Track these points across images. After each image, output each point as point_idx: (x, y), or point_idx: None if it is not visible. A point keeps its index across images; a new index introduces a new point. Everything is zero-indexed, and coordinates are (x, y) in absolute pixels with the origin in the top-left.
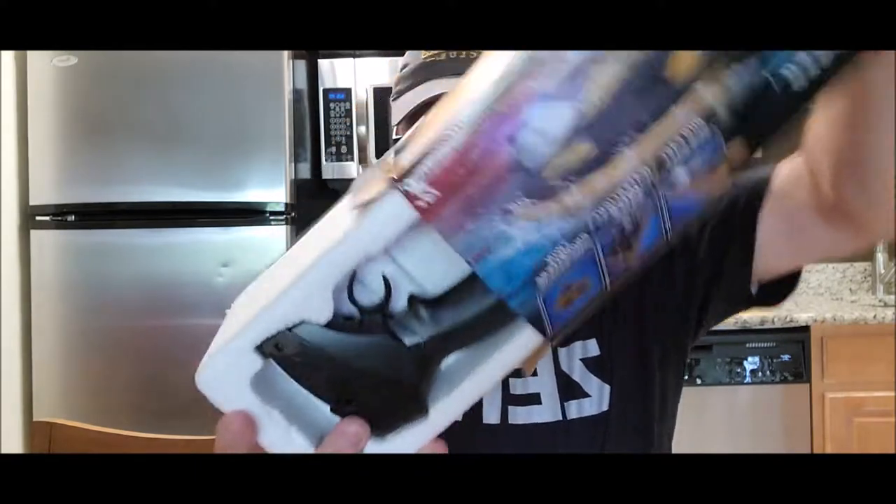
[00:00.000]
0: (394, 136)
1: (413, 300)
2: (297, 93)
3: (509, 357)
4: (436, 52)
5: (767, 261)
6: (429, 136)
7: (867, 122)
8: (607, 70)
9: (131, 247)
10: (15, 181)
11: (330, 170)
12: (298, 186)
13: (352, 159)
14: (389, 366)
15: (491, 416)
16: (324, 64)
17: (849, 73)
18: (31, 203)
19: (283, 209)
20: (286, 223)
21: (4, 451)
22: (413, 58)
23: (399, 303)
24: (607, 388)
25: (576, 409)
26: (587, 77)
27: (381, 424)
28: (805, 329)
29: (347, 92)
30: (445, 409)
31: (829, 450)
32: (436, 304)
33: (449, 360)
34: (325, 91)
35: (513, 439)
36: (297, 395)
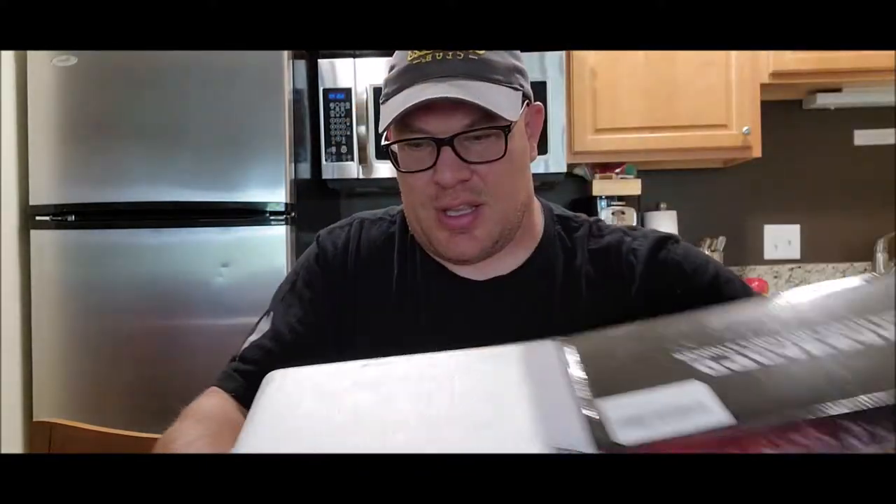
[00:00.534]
0: (383, 142)
1: None
2: (297, 93)
3: None
4: (421, 53)
5: None
6: None
7: None
8: None
9: (131, 247)
10: (15, 181)
11: (330, 170)
12: (298, 186)
13: (352, 159)
14: None
15: None
16: (324, 64)
17: None
18: (31, 203)
19: (283, 209)
20: (286, 223)
21: (4, 451)
22: (399, 59)
23: None
24: None
25: None
26: None
27: None
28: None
29: (347, 92)
30: None
31: None
32: None
33: None
34: (325, 91)
35: None
36: None
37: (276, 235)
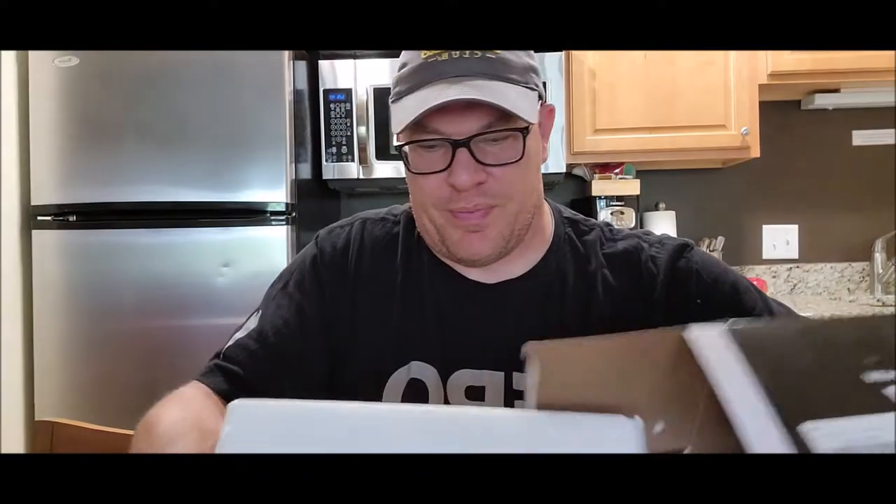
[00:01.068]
0: (395, 143)
1: None
2: (297, 93)
3: None
4: (437, 51)
5: None
6: None
7: None
8: None
9: (132, 247)
10: (16, 181)
11: (330, 170)
12: (299, 186)
13: (352, 160)
14: None
15: None
16: (324, 65)
17: None
18: (33, 203)
19: (283, 209)
20: (287, 223)
21: (5, 450)
22: (412, 57)
23: None
24: None
25: None
26: None
27: None
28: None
29: (348, 92)
30: None
31: None
32: None
33: None
34: (326, 91)
35: None
36: None
37: (277, 235)
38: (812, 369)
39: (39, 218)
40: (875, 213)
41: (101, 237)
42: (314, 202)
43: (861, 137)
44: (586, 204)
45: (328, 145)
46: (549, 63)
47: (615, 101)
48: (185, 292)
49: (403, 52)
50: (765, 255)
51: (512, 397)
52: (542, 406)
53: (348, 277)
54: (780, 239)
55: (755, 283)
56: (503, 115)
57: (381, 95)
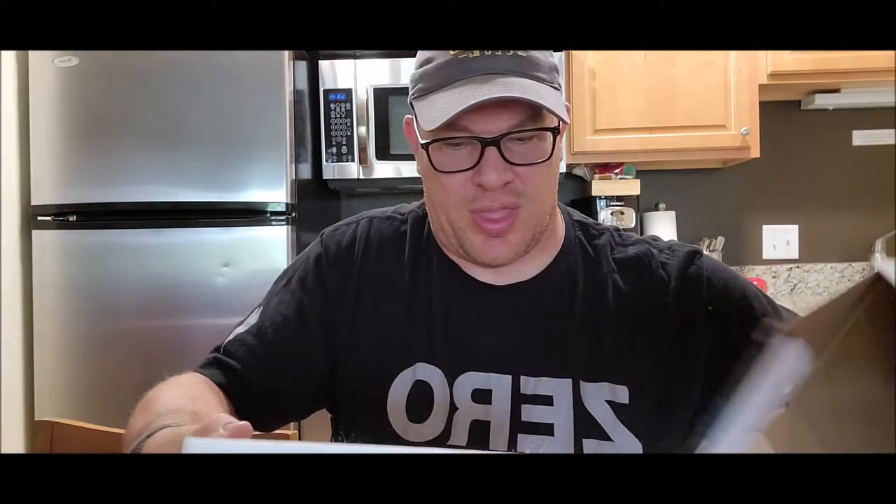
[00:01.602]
0: (421, 141)
1: None
2: (297, 93)
3: None
4: None
5: None
6: None
7: None
8: None
9: (132, 247)
10: (16, 181)
11: (330, 170)
12: (299, 186)
13: (352, 160)
14: None
15: (498, 443)
16: (324, 65)
17: None
18: (33, 203)
19: (283, 209)
20: (287, 223)
21: (5, 450)
22: (437, 53)
23: None
24: (637, 442)
25: (594, 449)
26: None
27: None
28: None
29: (348, 92)
30: None
31: None
32: None
33: None
34: (326, 92)
35: None
36: None
37: (277, 235)
38: None
39: (39, 218)
40: (875, 213)
41: (101, 237)
42: (314, 202)
43: (861, 137)
44: (586, 204)
45: (328, 145)
46: None
47: (615, 101)
48: (185, 292)
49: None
50: (765, 256)
51: (519, 401)
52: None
53: (353, 275)
54: (780, 239)
55: (755, 283)
56: (533, 114)
57: (381, 95)
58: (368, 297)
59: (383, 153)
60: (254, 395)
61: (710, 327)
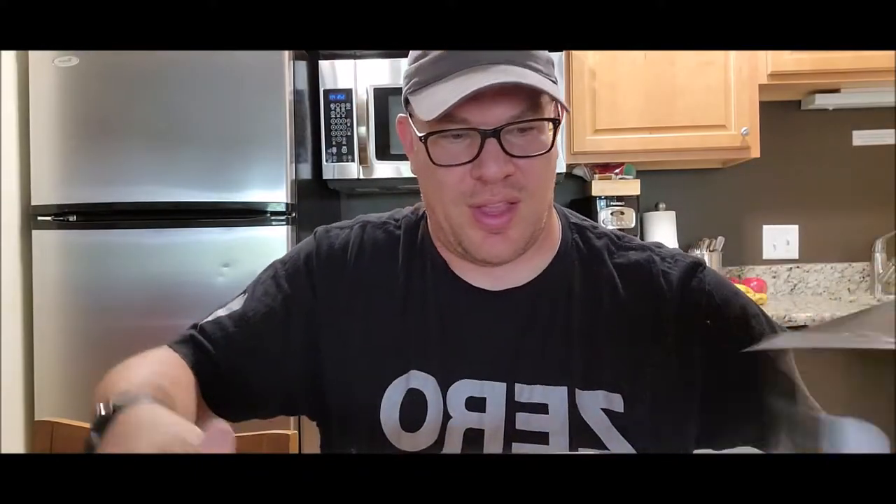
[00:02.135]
0: (419, 134)
1: None
2: (297, 93)
3: None
4: None
5: None
6: None
7: None
8: None
9: (132, 247)
10: (17, 181)
11: (330, 170)
12: (299, 187)
13: (352, 160)
14: None
15: (493, 452)
16: (324, 65)
17: None
18: (33, 203)
19: (283, 209)
20: (287, 223)
21: (5, 450)
22: None
23: None
24: (633, 451)
25: None
26: None
27: None
28: (804, 329)
29: (348, 92)
30: None
31: None
32: None
33: None
34: (326, 92)
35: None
36: None
37: (277, 235)
38: None
39: (39, 218)
40: (875, 213)
41: (101, 237)
42: (314, 202)
43: (861, 137)
44: (586, 204)
45: (328, 145)
46: None
47: (615, 101)
48: (185, 292)
49: None
50: (765, 256)
51: (513, 409)
52: None
53: (344, 280)
54: (780, 239)
55: (755, 283)
56: (532, 105)
57: (381, 95)
58: (360, 302)
59: (383, 153)
60: (223, 382)
61: (708, 342)
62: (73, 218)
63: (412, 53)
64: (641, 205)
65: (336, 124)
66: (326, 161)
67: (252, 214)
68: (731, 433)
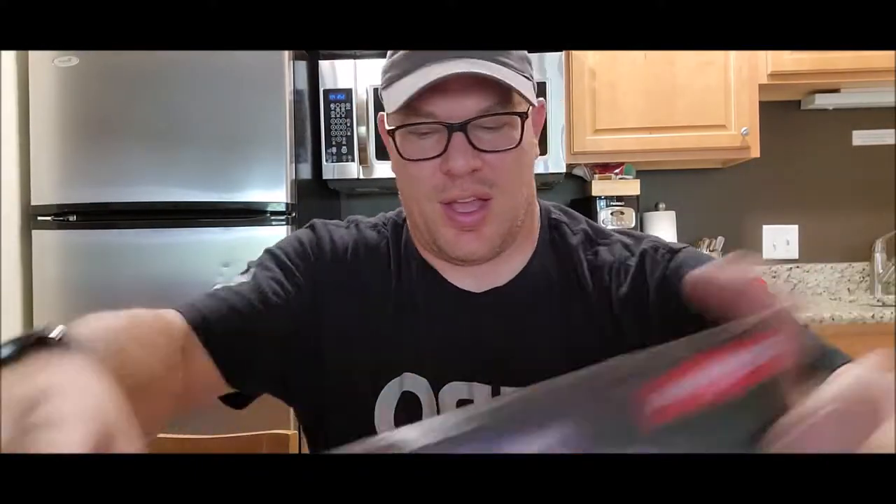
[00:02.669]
0: (387, 127)
1: None
2: (297, 93)
3: None
4: None
5: None
6: None
7: None
8: None
9: (132, 247)
10: (16, 181)
11: (330, 170)
12: (299, 186)
13: (352, 160)
14: None
15: None
16: (324, 65)
17: None
18: (33, 203)
19: (283, 209)
20: (287, 223)
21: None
22: None
23: None
24: None
25: None
26: None
27: None
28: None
29: (348, 93)
30: None
31: None
32: None
33: None
34: (326, 92)
35: None
36: None
37: (277, 235)
38: None
39: (39, 218)
40: (875, 213)
41: (101, 237)
42: (314, 202)
43: (861, 137)
44: (586, 204)
45: (328, 145)
46: (549, 63)
47: (615, 100)
48: (185, 292)
49: None
50: (765, 256)
51: None
52: None
53: (342, 273)
54: (780, 239)
55: None
56: (502, 99)
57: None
58: (351, 306)
59: (383, 153)
60: (225, 341)
61: (690, 326)
62: (72, 218)
63: (389, 52)
64: (641, 205)
65: (336, 124)
66: (326, 161)
67: (252, 214)
68: None
